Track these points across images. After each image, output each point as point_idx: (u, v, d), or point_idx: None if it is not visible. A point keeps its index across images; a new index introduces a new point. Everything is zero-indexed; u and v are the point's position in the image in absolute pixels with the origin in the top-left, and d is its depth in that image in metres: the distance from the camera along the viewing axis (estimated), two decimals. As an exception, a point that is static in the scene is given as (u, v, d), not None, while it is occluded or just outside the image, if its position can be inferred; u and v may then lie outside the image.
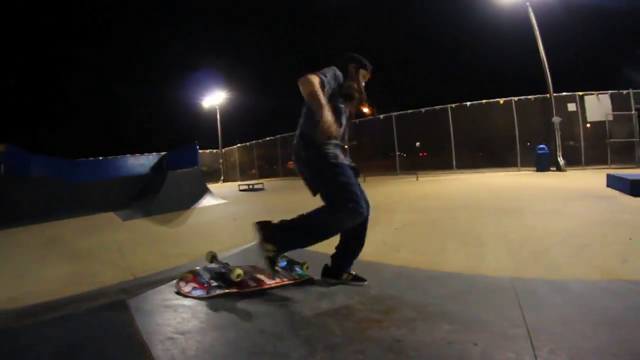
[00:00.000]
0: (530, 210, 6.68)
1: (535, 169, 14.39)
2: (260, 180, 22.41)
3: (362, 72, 2.87)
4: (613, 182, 8.58)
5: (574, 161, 14.23)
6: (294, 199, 12.12)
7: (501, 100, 15.61)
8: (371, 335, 2.13)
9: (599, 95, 14.11)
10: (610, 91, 14.09)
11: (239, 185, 17.14)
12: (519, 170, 14.72)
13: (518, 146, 15.31)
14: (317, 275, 3.17)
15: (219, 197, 12.21)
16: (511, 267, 3.84)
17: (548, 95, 14.64)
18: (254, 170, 25.52)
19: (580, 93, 14.38)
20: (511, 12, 15.25)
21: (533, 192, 9.03)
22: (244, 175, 25.48)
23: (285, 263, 3.18)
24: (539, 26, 14.70)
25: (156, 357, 1.80)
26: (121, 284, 3.84)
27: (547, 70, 14.46)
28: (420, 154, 20.28)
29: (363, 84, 2.92)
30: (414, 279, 3.44)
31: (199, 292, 2.57)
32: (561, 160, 13.93)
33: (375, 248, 4.63)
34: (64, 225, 8.81)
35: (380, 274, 3.52)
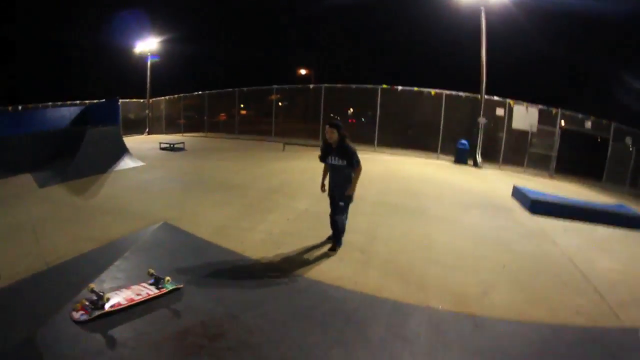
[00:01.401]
0: (428, 213, 6.74)
1: (453, 159, 15.13)
2: (184, 135, 22.49)
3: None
4: (517, 194, 8.58)
5: (492, 158, 15.06)
6: (206, 164, 12.64)
7: (433, 92, 16.09)
8: None
9: (529, 107, 14.75)
10: (540, 106, 14.72)
11: (161, 143, 17.11)
12: (437, 158, 15.17)
13: (441, 136, 15.87)
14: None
15: (137, 158, 12.34)
16: (372, 281, 4.10)
17: (479, 96, 15.08)
18: (181, 121, 25.19)
19: (512, 102, 14.99)
20: (465, 7, 15.18)
21: (441, 189, 8.95)
22: (170, 128, 25.14)
23: (153, 280, 4.06)
24: (487, 28, 14.86)
25: None
26: (35, 276, 4.48)
27: (484, 72, 14.81)
28: (350, 120, 21.63)
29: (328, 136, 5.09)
30: (273, 289, 3.85)
31: (84, 317, 3.35)
32: (479, 158, 14.63)
33: (259, 241, 5.15)
34: None
35: (249, 274, 4.15)
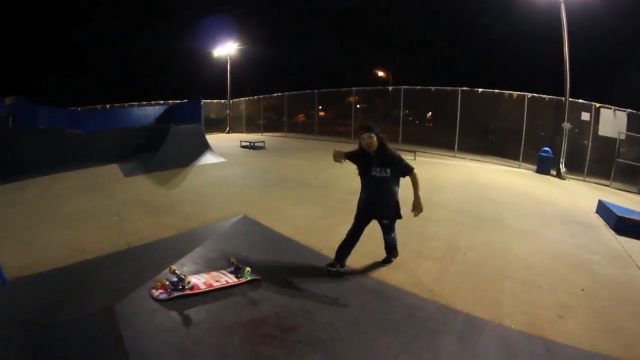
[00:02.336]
0: (508, 224, 6.51)
1: (535, 169, 14.29)
2: (264, 135, 23.32)
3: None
4: (602, 210, 8.02)
5: (576, 170, 13.79)
6: (287, 163, 12.83)
7: (514, 94, 15.36)
8: (259, 351, 2.83)
9: (616, 111, 13.70)
10: (629, 110, 13.53)
11: (241, 141, 17.82)
12: (519, 167, 14.48)
13: (523, 142, 14.99)
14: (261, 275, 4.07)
15: (218, 154, 12.95)
16: (447, 291, 3.98)
17: (563, 99, 14.25)
18: (260, 121, 26.16)
19: (598, 104, 13.77)
20: (545, 5, 14.27)
21: (522, 200, 8.56)
22: (250, 127, 26.25)
23: (233, 268, 4.09)
24: (569, 27, 13.78)
25: (130, 351, 2.71)
26: (118, 253, 4.91)
27: (568, 73, 13.74)
28: (428, 124, 20.94)
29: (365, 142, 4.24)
30: (349, 289, 3.85)
31: (163, 296, 3.54)
32: (562, 167, 13.55)
33: (338, 242, 5.17)
34: (71, 178, 9.80)
35: (325, 274, 4.17)
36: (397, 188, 4.31)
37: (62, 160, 11.27)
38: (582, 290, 4.24)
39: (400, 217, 4.38)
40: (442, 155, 15.80)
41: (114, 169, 10.88)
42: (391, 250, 4.70)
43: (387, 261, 4.71)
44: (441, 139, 17.22)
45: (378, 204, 4.32)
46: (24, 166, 10.51)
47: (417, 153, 14.98)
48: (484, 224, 6.41)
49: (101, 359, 2.67)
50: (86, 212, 6.88)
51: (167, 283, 3.66)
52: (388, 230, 4.51)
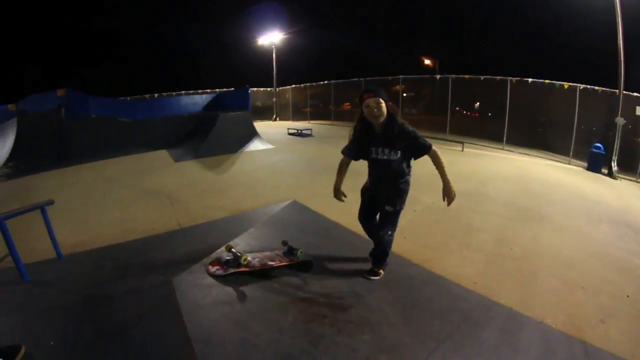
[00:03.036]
0: (555, 222, 6.34)
1: (586, 166, 13.62)
2: (311, 122, 23.37)
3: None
4: None
5: (629, 169, 13.13)
6: (335, 151, 12.77)
7: (566, 85, 14.61)
8: (311, 328, 2.89)
9: None
10: None
11: (289, 128, 17.96)
12: (568, 163, 13.89)
13: (574, 137, 14.33)
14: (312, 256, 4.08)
15: (266, 141, 13.16)
16: (491, 284, 3.98)
17: (617, 91, 13.43)
18: (307, 109, 26.31)
19: None
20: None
21: (570, 198, 8.26)
22: (296, 115, 26.43)
23: (286, 249, 4.04)
24: (623, 13, 12.95)
25: (187, 322, 2.78)
26: (170, 233, 5.06)
27: (622, 63, 12.98)
28: (474, 114, 20.43)
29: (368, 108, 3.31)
30: (397, 275, 3.84)
31: (220, 272, 3.56)
32: (614, 166, 12.82)
33: None
34: (122, 163, 10.30)
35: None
36: (408, 171, 3.49)
37: (113, 147, 11.94)
38: (628, 296, 4.09)
39: (402, 207, 3.61)
40: (490, 147, 15.32)
41: (163, 154, 11.35)
42: (381, 255, 3.85)
43: (372, 273, 3.78)
44: (489, 131, 16.70)
45: (384, 195, 3.60)
46: (78, 153, 11.32)
47: (465, 144, 14.55)
48: (530, 219, 6.28)
49: (160, 329, 2.72)
50: (137, 194, 7.15)
51: (223, 260, 3.69)
52: (388, 221, 3.64)
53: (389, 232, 3.69)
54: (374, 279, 3.70)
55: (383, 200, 3.59)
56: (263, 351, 2.60)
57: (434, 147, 3.26)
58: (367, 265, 3.89)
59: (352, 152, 3.57)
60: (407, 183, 3.49)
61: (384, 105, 3.24)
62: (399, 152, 3.31)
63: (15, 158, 11.50)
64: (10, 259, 3.67)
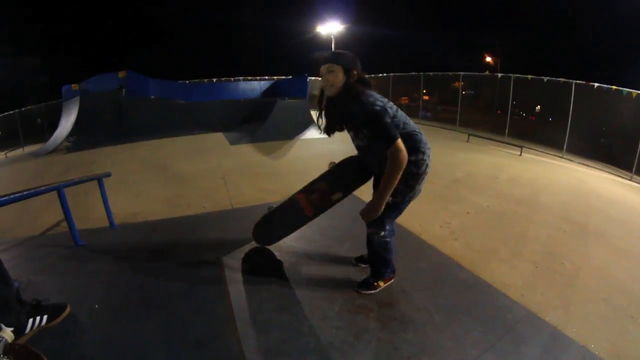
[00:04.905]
0: (612, 242, 5.85)
1: None
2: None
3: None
4: None
5: None
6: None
7: (634, 93, 13.55)
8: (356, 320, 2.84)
9: None
10: None
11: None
12: (630, 179, 12.91)
13: (639, 151, 13.24)
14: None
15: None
16: (537, 298, 3.81)
17: None
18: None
19: None
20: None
21: (631, 218, 7.57)
22: (355, 105, 26.39)
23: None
24: None
25: (233, 301, 2.79)
26: (222, 212, 5.11)
27: None
28: (531, 117, 19.89)
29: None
30: (444, 276, 3.74)
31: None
32: None
33: (438, 228, 5.07)
34: (178, 143, 10.63)
35: (425, 257, 4.06)
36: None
37: (170, 127, 12.43)
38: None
39: (397, 201, 2.79)
40: (549, 154, 14.57)
41: (219, 137, 11.60)
42: (377, 263, 3.12)
43: (365, 286, 3.14)
44: (549, 136, 15.75)
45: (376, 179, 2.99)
46: (137, 130, 11.89)
47: (523, 149, 13.92)
48: (586, 235, 5.95)
49: (205, 305, 2.73)
50: (191, 173, 7.31)
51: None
52: (377, 222, 2.81)
53: (380, 233, 2.90)
54: (366, 293, 3.08)
55: (375, 185, 2.95)
56: (305, 337, 2.60)
57: (397, 144, 2.41)
58: (416, 263, 3.78)
59: (327, 127, 2.93)
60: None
61: (338, 73, 2.56)
62: (364, 138, 2.66)
63: (76, 133, 12.38)
64: (66, 224, 3.82)
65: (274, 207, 3.60)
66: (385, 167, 2.45)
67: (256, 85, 19.05)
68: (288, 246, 3.81)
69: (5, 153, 16.05)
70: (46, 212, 5.32)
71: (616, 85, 13.58)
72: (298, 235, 4.05)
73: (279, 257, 3.53)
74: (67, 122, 13.66)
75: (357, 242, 3.97)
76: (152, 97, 14.74)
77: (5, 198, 2.80)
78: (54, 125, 15.59)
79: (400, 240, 4.47)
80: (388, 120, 2.45)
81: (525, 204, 6.71)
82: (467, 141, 14.40)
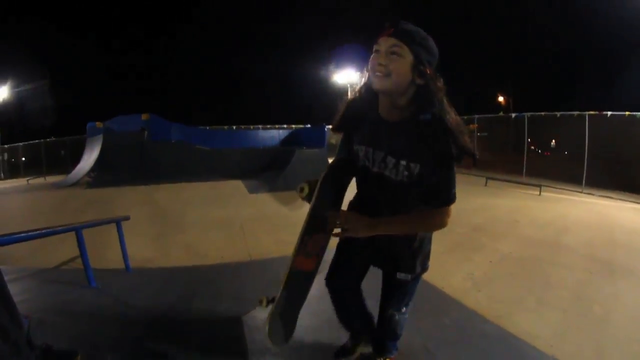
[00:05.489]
0: (638, 275, 5.78)
1: None
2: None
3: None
4: None
5: None
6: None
7: None
8: None
9: None
10: None
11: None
12: None
13: None
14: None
15: (341, 180, 13.18)
16: (568, 347, 3.67)
17: None
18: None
19: None
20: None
21: None
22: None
23: None
24: None
25: None
26: (240, 264, 5.00)
27: None
28: (547, 153, 20.23)
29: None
30: (470, 332, 3.59)
31: None
32: None
33: (461, 280, 4.95)
34: (197, 189, 10.72)
35: (449, 312, 3.91)
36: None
37: (190, 172, 12.66)
38: None
39: (426, 268, 2.09)
40: (568, 190, 14.37)
41: (238, 184, 11.69)
42: (388, 337, 2.34)
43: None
44: (566, 171, 15.69)
45: (390, 248, 2.00)
46: (157, 173, 12.15)
47: (542, 187, 13.72)
48: (614, 273, 5.78)
49: None
50: (210, 221, 7.29)
51: None
52: (400, 297, 2.17)
53: (403, 310, 2.20)
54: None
55: (390, 259, 2.04)
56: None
57: (451, 208, 1.74)
58: (438, 318, 3.60)
59: (341, 124, 1.97)
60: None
61: (405, 60, 1.59)
62: (414, 166, 1.70)
63: (97, 169, 12.67)
64: (81, 261, 3.79)
65: (274, 297, 2.47)
66: (414, 217, 1.78)
67: (275, 134, 19.42)
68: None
69: (28, 180, 16.78)
70: (62, 244, 5.27)
71: (629, 111, 13.68)
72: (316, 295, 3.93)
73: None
74: (89, 158, 14.07)
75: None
76: (174, 141, 15.17)
77: (23, 235, 2.82)
78: (76, 158, 16.30)
79: (422, 295, 4.34)
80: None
81: (548, 246, 6.58)
82: (485, 185, 14.33)
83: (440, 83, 1.67)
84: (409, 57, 1.59)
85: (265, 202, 9.36)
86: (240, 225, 6.95)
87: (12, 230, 2.89)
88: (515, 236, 7.25)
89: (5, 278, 1.98)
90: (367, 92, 1.78)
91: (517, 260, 5.89)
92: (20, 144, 24.25)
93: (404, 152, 1.70)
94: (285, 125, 25.70)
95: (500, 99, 37.84)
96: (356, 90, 1.87)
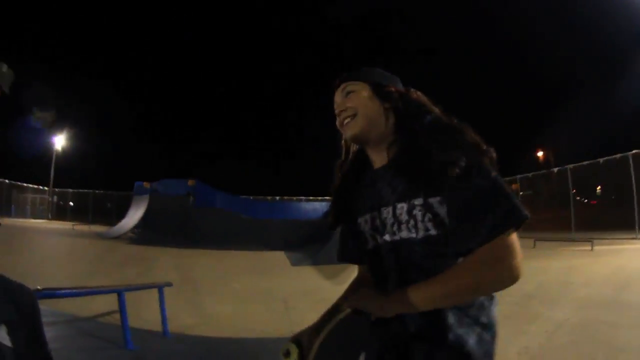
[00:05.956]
0: None
1: None
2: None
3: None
4: None
5: None
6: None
7: None
8: None
9: None
10: None
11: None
12: None
13: None
14: None
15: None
16: None
17: None
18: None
19: None
20: None
21: None
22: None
23: None
24: None
25: None
26: (279, 339, 4.59)
27: None
28: (593, 202, 19.63)
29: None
30: None
31: None
32: None
33: (515, 355, 4.50)
34: (240, 257, 10.75)
35: None
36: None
37: (233, 240, 12.76)
38: None
39: None
40: (620, 239, 13.50)
41: (281, 256, 11.64)
42: None
43: None
44: (615, 218, 14.93)
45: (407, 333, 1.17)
46: (200, 238, 12.43)
47: (594, 241, 12.72)
48: None
49: None
50: (252, 291, 7.15)
51: None
52: None
53: None
54: None
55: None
56: None
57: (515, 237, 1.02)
58: None
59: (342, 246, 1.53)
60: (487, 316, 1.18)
61: (362, 91, 1.32)
62: (433, 201, 1.12)
63: (142, 227, 13.00)
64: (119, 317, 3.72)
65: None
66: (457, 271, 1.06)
67: (318, 206, 19.49)
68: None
69: (73, 225, 17.73)
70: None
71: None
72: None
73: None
74: (134, 215, 14.74)
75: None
76: (218, 208, 15.65)
77: (67, 291, 2.83)
78: (121, 212, 17.07)
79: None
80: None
81: (607, 307, 6.06)
82: (534, 247, 13.52)
83: (416, 94, 1.33)
84: (364, 87, 1.32)
85: (309, 275, 9.18)
86: (283, 299, 6.74)
87: (58, 272, 2.88)
88: (571, 300, 6.81)
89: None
90: (352, 158, 1.44)
91: (575, 327, 5.45)
92: (70, 190, 25.91)
93: (412, 185, 1.15)
94: (327, 198, 25.81)
95: (540, 153, 37.19)
96: (338, 167, 1.48)
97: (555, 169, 18.71)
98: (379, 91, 1.31)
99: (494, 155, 1.15)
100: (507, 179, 19.94)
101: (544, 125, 46.23)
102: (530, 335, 5.25)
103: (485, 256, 0.99)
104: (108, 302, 4.91)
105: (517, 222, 0.98)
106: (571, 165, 16.88)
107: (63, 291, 2.74)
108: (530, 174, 20.12)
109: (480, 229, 0.99)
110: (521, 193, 20.36)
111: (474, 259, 1.01)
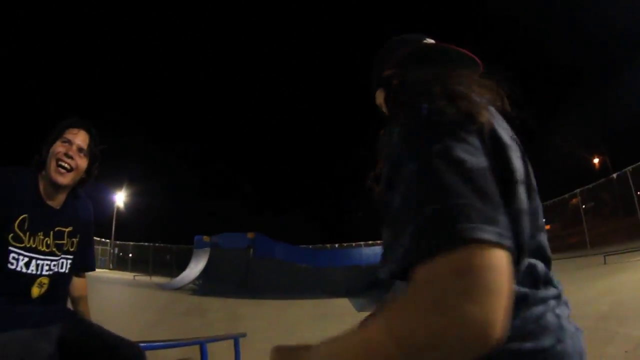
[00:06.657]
0: None
1: None
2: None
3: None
4: None
5: None
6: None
7: None
8: None
9: None
10: None
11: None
12: None
13: None
14: None
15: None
16: None
17: None
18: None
19: None
20: None
21: None
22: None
23: None
24: None
25: None
26: None
27: None
28: None
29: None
30: None
31: None
32: None
33: None
34: (303, 306, 10.70)
35: None
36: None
37: (294, 289, 12.96)
38: None
39: None
40: None
41: (345, 302, 11.55)
42: None
43: None
44: None
45: None
46: (261, 288, 12.70)
47: None
48: None
49: None
50: (320, 339, 6.80)
51: None
52: None
53: None
54: None
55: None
56: None
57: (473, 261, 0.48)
58: None
59: None
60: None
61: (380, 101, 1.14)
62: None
63: (203, 278, 13.34)
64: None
65: None
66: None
67: (378, 250, 19.28)
68: None
69: (134, 275, 18.64)
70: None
71: None
72: None
73: None
74: (195, 267, 15.28)
75: None
76: (278, 259, 15.98)
77: (153, 344, 2.74)
78: (180, 264, 17.60)
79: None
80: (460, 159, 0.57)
81: None
82: (604, 263, 12.24)
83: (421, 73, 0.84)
84: (379, 94, 1.12)
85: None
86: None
87: (124, 322, 2.72)
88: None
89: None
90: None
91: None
92: (131, 243, 27.03)
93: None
94: (389, 241, 25.56)
95: (595, 160, 34.62)
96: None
97: (615, 175, 17.56)
98: (384, 89, 1.10)
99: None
100: (567, 195, 19.05)
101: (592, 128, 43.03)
102: (608, 357, 4.97)
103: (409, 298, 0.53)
104: (182, 352, 4.95)
105: (449, 241, 0.49)
106: (630, 168, 15.51)
107: (157, 344, 2.81)
108: (590, 185, 18.72)
109: (396, 251, 0.58)
110: (584, 206, 18.84)
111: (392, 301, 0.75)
